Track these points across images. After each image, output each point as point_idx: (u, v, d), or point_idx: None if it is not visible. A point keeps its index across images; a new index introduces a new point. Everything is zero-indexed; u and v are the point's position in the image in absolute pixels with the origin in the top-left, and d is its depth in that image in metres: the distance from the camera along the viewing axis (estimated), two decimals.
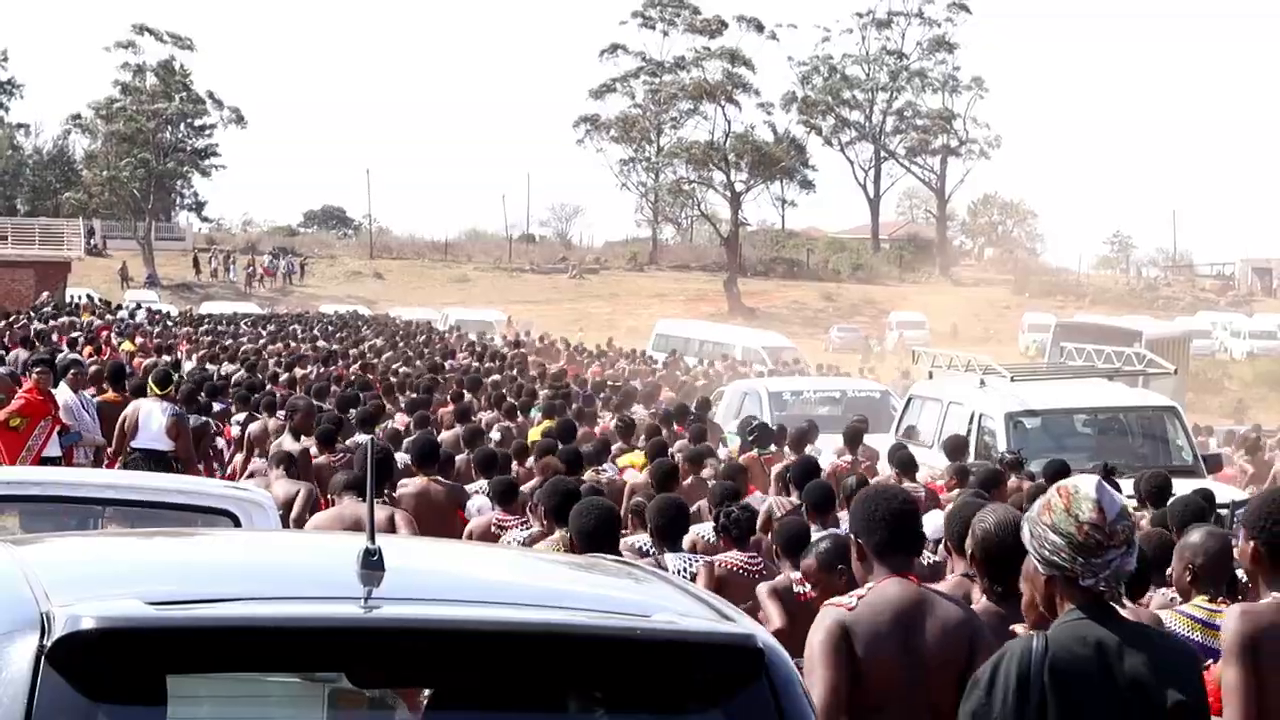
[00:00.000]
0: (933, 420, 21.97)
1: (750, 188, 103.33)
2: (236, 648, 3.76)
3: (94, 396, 19.65)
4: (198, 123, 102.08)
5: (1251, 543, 6.15)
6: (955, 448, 18.43)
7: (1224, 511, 12.76)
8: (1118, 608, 4.82)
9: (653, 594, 4.45)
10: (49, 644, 3.58)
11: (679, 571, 9.65)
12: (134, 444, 17.45)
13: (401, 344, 43.36)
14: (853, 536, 6.49)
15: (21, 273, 66.13)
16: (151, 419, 17.45)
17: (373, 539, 4.00)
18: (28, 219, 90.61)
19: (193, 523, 8.14)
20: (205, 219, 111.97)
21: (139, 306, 56.08)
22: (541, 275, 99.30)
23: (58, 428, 17.14)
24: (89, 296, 59.58)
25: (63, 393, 17.99)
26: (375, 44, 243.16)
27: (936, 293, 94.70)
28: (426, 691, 4.18)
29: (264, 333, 47.16)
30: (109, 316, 48.62)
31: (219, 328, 48.75)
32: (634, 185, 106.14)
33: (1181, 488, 15.45)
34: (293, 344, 41.23)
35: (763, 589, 9.46)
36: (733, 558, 10.43)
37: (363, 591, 3.91)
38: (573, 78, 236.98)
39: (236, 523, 8.15)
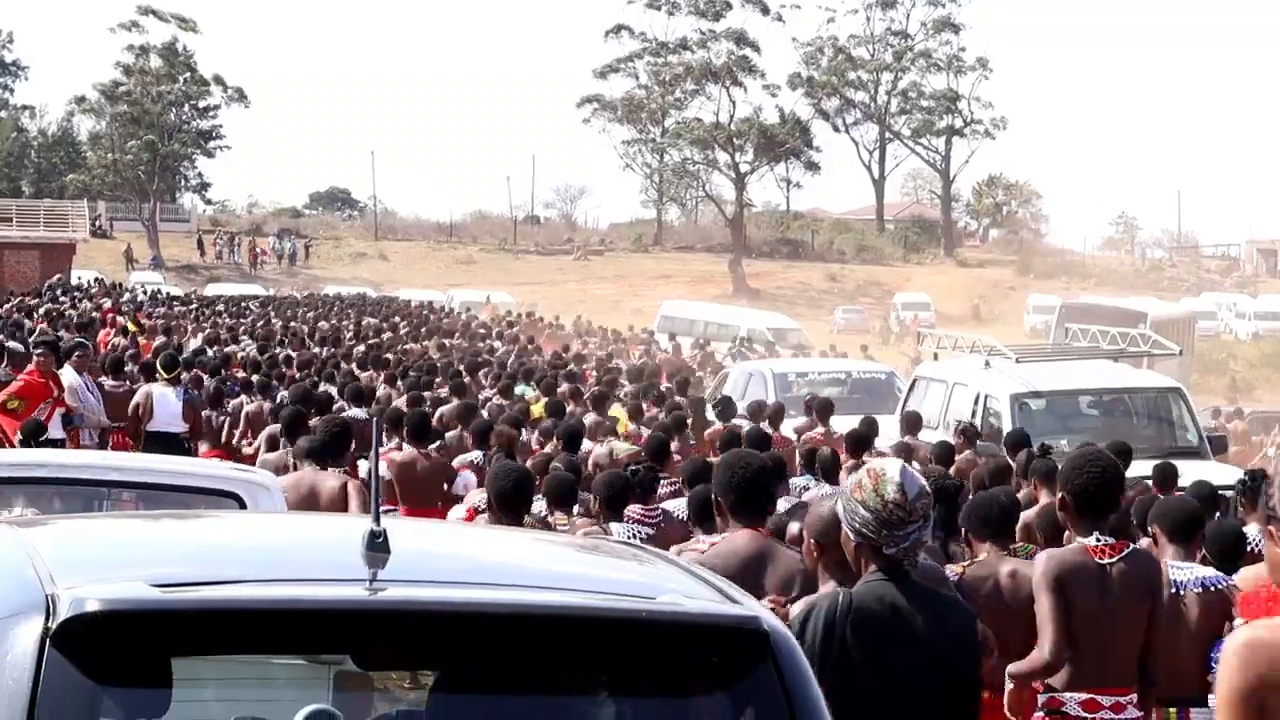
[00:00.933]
0: (938, 402, 21.96)
1: (755, 169, 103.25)
2: (241, 630, 3.76)
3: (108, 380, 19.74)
4: (202, 104, 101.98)
5: (1060, 494, 7.58)
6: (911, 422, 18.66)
7: (1229, 493, 12.77)
8: (910, 571, 5.64)
9: (658, 576, 4.45)
10: (54, 626, 3.58)
11: (633, 537, 10.11)
12: (149, 427, 17.67)
13: (403, 324, 43.56)
14: (714, 495, 7.55)
15: (26, 255, 66.12)
16: (166, 402, 17.75)
17: (377, 521, 3.99)
18: (32, 201, 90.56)
19: (197, 505, 8.14)
20: (210, 201, 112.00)
21: (144, 290, 56.17)
22: (546, 256, 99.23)
23: (60, 410, 17.16)
24: (98, 280, 59.62)
25: (67, 374, 18.00)
26: (380, 25, 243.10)
27: (941, 274, 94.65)
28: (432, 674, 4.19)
29: (272, 314, 47.23)
30: (113, 298, 48.61)
31: (220, 309, 48.70)
32: (639, 166, 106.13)
33: (1186, 468, 15.46)
34: (294, 325, 41.40)
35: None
36: (632, 510, 10.98)
37: (368, 574, 3.90)
38: (578, 58, 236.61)
39: (241, 505, 8.15)
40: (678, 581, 4.31)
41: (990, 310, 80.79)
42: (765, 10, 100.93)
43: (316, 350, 31.02)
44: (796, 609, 5.71)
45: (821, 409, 20.50)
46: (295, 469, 12.16)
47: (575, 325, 51.67)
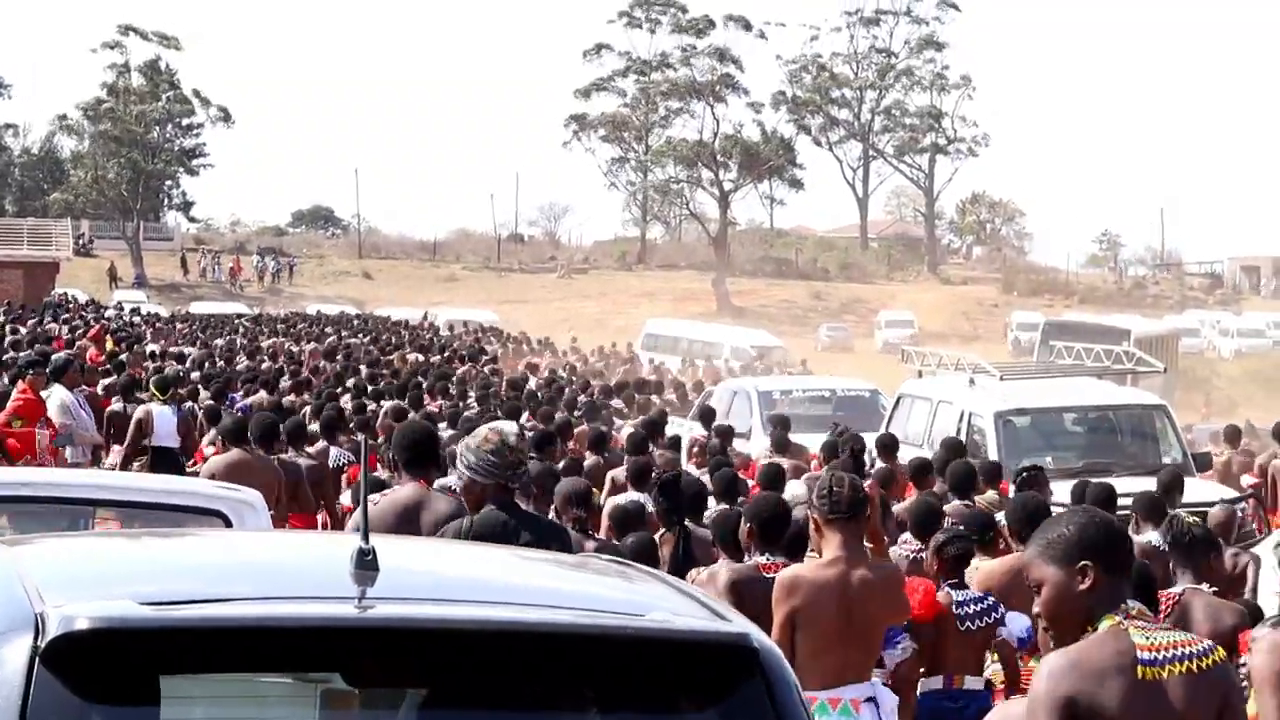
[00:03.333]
0: (922, 419, 21.98)
1: (739, 187, 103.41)
2: (230, 648, 3.76)
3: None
4: (185, 122, 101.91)
5: (812, 513, 8.31)
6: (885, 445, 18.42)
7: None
8: (521, 503, 8.25)
9: (647, 593, 4.46)
10: (43, 644, 3.58)
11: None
12: (152, 443, 18.02)
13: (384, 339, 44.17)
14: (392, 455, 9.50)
15: (10, 273, 66.01)
16: (163, 420, 18.29)
17: (366, 539, 3.99)
18: (16, 219, 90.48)
19: (184, 523, 8.13)
20: (193, 219, 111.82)
21: (121, 306, 56.25)
22: (530, 275, 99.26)
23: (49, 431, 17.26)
24: (73, 297, 59.57)
25: (58, 392, 18.04)
26: (363, 44, 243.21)
27: (925, 291, 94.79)
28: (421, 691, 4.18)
29: (262, 329, 47.84)
30: (96, 316, 48.61)
31: (207, 329, 48.91)
32: (623, 185, 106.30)
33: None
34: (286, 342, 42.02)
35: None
36: None
37: (356, 591, 3.91)
38: (561, 77, 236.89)
39: (228, 523, 8.15)
40: (666, 599, 4.31)
41: (973, 328, 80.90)
42: (748, 27, 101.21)
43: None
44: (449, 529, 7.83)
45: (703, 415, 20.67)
46: (225, 449, 13.91)
47: (545, 347, 52.09)
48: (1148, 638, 5.01)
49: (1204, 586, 8.87)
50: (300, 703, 4.60)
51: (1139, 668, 4.96)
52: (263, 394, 23.70)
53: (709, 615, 4.19)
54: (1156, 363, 26.99)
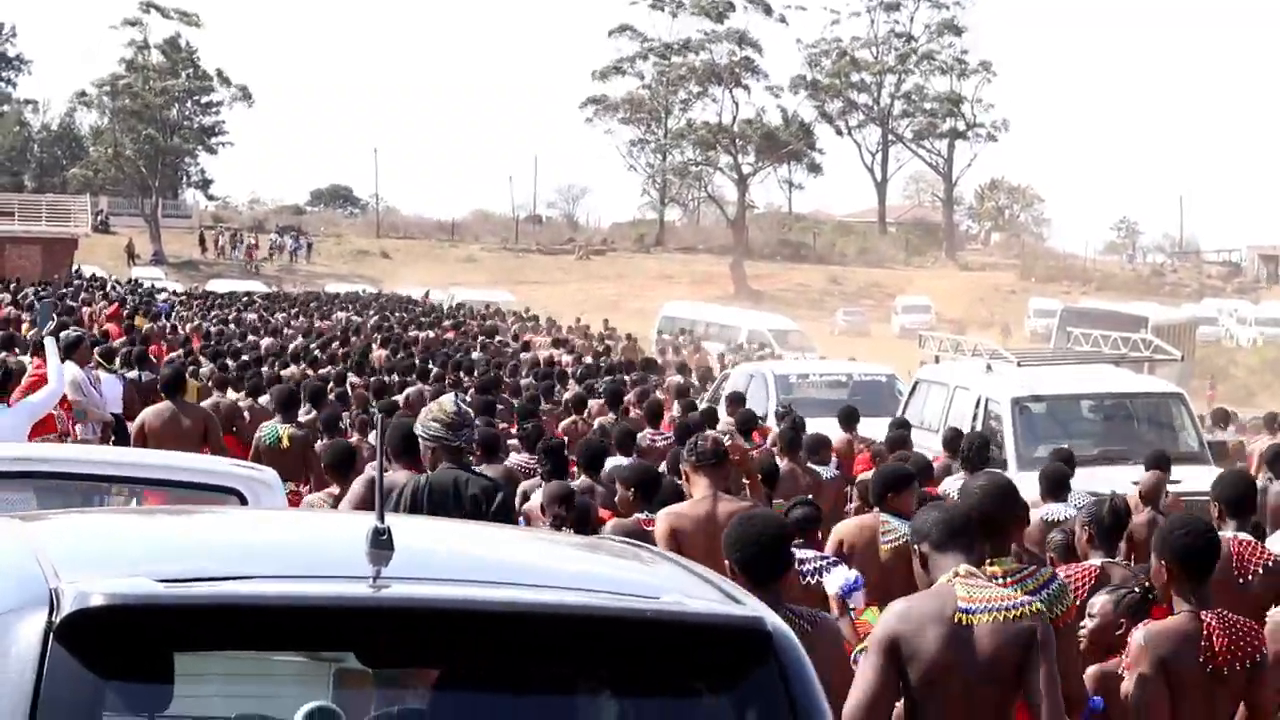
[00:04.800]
0: (939, 405, 21.94)
1: (757, 170, 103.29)
2: (245, 626, 3.76)
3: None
4: (204, 100, 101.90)
5: (684, 465, 9.94)
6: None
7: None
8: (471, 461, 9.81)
9: (661, 575, 4.45)
10: (58, 621, 3.58)
11: None
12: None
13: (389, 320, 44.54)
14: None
15: (28, 249, 66.02)
16: (110, 388, 18.80)
17: (382, 518, 3.99)
18: (35, 195, 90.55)
19: (199, 501, 8.14)
20: (212, 197, 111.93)
21: (139, 285, 56.34)
22: (548, 256, 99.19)
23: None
24: (92, 274, 59.70)
25: (70, 369, 18.02)
26: (383, 23, 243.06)
27: (943, 277, 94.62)
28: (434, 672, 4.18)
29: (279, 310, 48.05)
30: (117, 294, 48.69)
31: (223, 306, 49.00)
32: (641, 167, 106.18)
33: (1188, 474, 15.45)
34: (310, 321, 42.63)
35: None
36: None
37: (371, 571, 3.89)
38: (581, 58, 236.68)
39: (243, 501, 8.16)
40: (680, 581, 4.31)
41: (991, 314, 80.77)
42: (768, 11, 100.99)
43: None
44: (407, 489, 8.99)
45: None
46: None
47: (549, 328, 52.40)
48: (969, 591, 6.13)
49: (1119, 560, 9.18)
50: (313, 682, 4.61)
51: (956, 615, 6.07)
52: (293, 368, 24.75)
53: (722, 598, 4.18)
54: (1174, 351, 26.90)
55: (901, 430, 17.82)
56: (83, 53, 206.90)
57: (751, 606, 4.14)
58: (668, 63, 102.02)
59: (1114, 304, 57.32)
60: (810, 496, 12.06)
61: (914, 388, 23.56)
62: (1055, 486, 12.58)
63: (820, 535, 10.94)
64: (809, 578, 10.16)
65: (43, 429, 16.00)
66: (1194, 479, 15.83)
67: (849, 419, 20.01)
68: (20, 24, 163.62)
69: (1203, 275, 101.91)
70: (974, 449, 14.34)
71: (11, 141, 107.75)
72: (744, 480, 10.21)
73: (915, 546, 6.47)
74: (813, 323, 70.63)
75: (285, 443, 16.10)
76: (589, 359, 34.70)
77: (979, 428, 19.50)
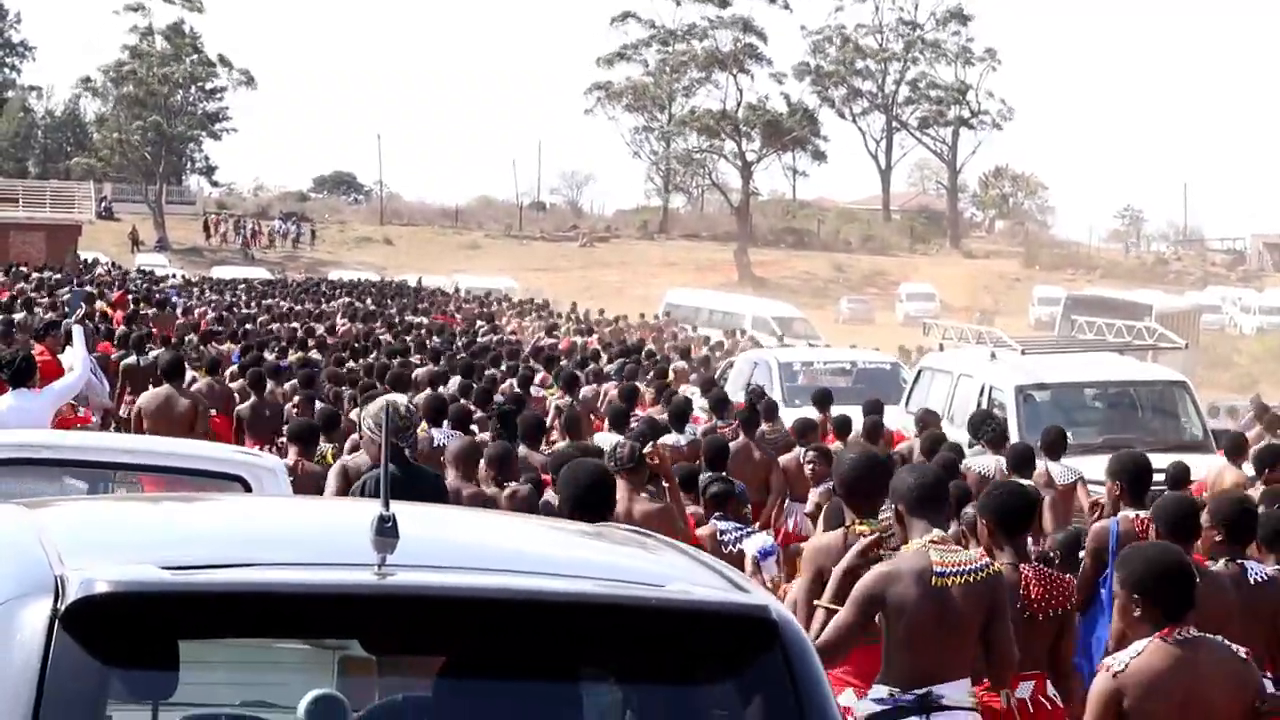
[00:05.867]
0: (943, 393, 21.94)
1: (762, 157, 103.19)
2: (250, 613, 3.76)
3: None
4: (208, 86, 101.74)
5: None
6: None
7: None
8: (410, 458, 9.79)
9: (666, 563, 4.44)
10: (63, 608, 3.57)
11: None
12: None
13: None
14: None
15: (33, 235, 66.12)
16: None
17: (387, 505, 3.98)
18: (39, 182, 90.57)
19: (203, 487, 8.15)
20: (215, 183, 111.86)
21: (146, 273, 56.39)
22: (552, 243, 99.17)
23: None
24: (95, 259, 59.78)
25: (70, 356, 18.05)
26: (387, 8, 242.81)
27: (947, 265, 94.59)
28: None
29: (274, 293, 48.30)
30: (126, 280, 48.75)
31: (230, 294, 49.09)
32: (645, 154, 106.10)
33: (1193, 463, 15.43)
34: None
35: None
36: None
37: (376, 558, 3.89)
38: (585, 44, 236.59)
39: (247, 488, 8.16)
40: (686, 569, 4.30)
41: (995, 302, 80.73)
42: None
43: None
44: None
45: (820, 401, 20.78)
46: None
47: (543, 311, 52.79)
48: (942, 556, 7.21)
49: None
50: (318, 669, 4.61)
51: (932, 578, 7.16)
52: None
53: (728, 586, 4.17)
54: (1178, 339, 26.85)
55: (875, 416, 18.39)
56: (85, 43, 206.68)
57: (757, 595, 4.14)
58: (671, 49, 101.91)
59: (1118, 292, 57.26)
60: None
61: (918, 376, 23.57)
62: (1020, 463, 14.08)
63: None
64: (729, 546, 11.44)
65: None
66: (1202, 468, 15.81)
67: (822, 401, 20.40)
68: (24, 10, 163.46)
69: (1207, 263, 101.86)
70: (986, 426, 16.05)
71: (15, 128, 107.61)
72: (664, 484, 10.52)
73: (892, 504, 7.61)
74: (817, 310, 70.57)
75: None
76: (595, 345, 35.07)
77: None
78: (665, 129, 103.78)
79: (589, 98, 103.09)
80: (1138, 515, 10.20)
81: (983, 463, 15.15)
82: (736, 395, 25.08)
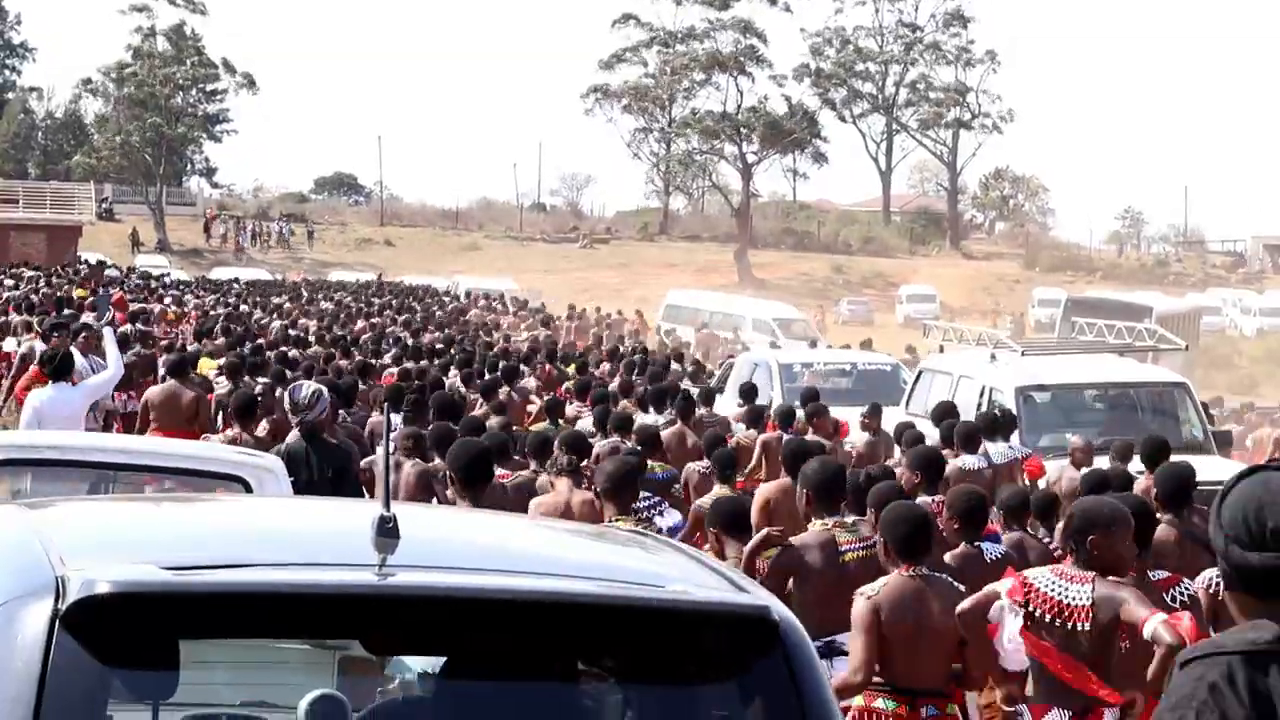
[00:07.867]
0: (943, 395, 21.93)
1: (762, 159, 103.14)
2: (251, 613, 3.76)
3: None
4: (209, 88, 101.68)
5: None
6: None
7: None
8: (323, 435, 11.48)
9: (666, 564, 4.44)
10: (63, 608, 3.57)
11: None
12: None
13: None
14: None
15: (33, 236, 66.17)
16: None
17: (387, 506, 3.98)
18: (39, 182, 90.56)
19: (204, 488, 8.15)
20: (216, 185, 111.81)
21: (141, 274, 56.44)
22: (552, 244, 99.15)
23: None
24: (96, 261, 59.78)
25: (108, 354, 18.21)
26: (387, 10, 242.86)
27: (947, 266, 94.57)
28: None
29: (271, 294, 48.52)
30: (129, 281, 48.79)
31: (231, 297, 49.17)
32: (646, 155, 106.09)
33: (1193, 464, 15.39)
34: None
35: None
36: None
37: (377, 559, 3.89)
38: (586, 46, 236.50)
39: (248, 488, 8.16)
40: (686, 570, 4.30)
41: (995, 304, 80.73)
42: (773, 1, 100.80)
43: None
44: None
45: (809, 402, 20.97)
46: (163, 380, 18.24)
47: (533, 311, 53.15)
48: (844, 536, 9.07)
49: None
50: (318, 669, 4.62)
51: (839, 555, 9.00)
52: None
53: (729, 587, 4.17)
54: (1178, 340, 26.88)
55: (815, 403, 19.37)
56: (85, 44, 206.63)
57: (758, 595, 4.14)
58: (671, 51, 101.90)
59: (1118, 294, 57.27)
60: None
61: (918, 377, 23.57)
62: (966, 440, 15.44)
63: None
64: (643, 512, 12.07)
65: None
66: (1202, 470, 15.79)
67: (806, 400, 20.62)
68: (25, 11, 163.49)
69: (1207, 265, 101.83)
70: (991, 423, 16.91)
71: (16, 129, 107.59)
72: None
73: (800, 489, 9.42)
74: (816, 312, 70.57)
75: None
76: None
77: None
78: (665, 131, 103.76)
79: (587, 100, 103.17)
80: (934, 499, 11.31)
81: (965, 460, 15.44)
82: (735, 395, 25.10)
